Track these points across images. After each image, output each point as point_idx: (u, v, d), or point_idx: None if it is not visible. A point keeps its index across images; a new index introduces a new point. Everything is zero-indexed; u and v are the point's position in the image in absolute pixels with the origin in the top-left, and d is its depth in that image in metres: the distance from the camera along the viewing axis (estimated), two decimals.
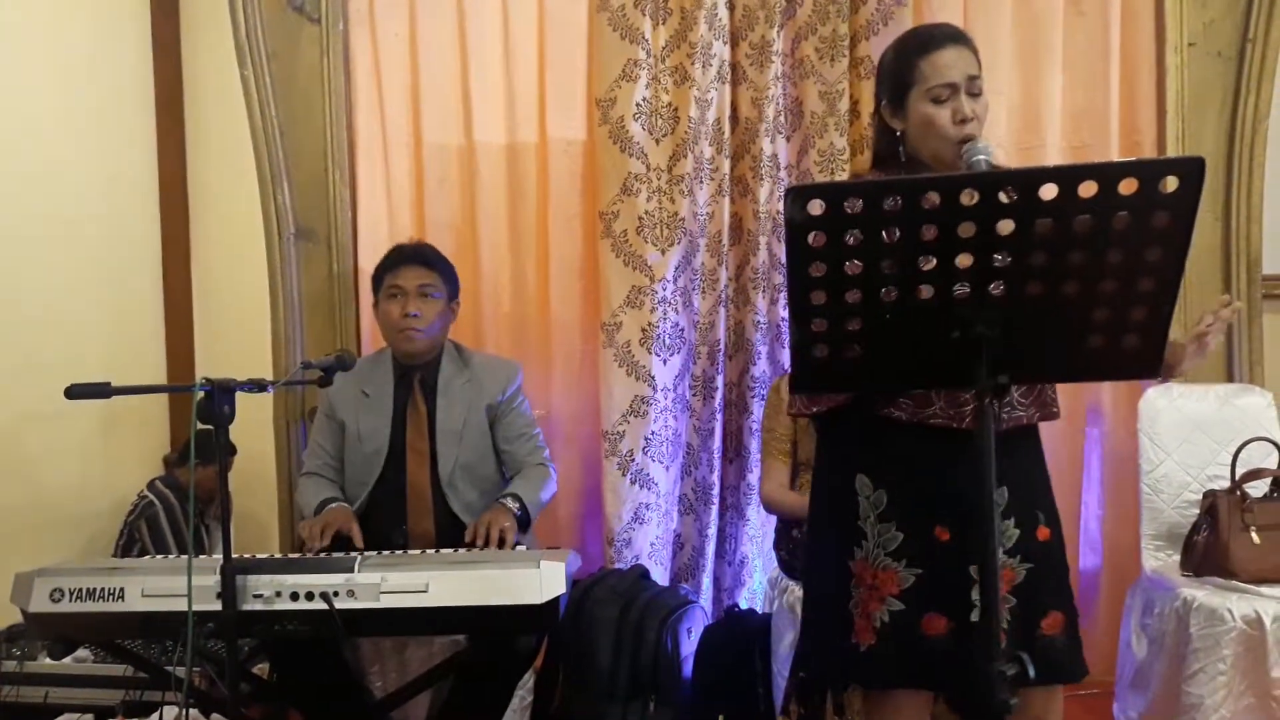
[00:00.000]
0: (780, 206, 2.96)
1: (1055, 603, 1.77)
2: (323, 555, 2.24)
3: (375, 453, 2.55)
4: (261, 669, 2.58)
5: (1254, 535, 2.42)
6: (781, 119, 3.00)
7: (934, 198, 1.33)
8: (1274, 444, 2.54)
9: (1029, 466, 1.81)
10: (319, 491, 2.53)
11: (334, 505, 2.46)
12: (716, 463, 3.06)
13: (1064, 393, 1.90)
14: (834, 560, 1.80)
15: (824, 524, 1.88)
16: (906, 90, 1.76)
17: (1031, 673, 1.40)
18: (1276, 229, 3.00)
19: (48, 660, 2.53)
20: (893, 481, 1.76)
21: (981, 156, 1.62)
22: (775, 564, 2.76)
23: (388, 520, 2.51)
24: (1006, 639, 1.72)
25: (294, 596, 1.92)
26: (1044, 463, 1.85)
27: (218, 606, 1.86)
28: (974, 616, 1.70)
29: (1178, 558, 2.60)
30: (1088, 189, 1.30)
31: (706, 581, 3.08)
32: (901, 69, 1.77)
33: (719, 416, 3.05)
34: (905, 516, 1.74)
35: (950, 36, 1.77)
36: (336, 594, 1.92)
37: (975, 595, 1.70)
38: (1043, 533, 1.78)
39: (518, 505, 2.43)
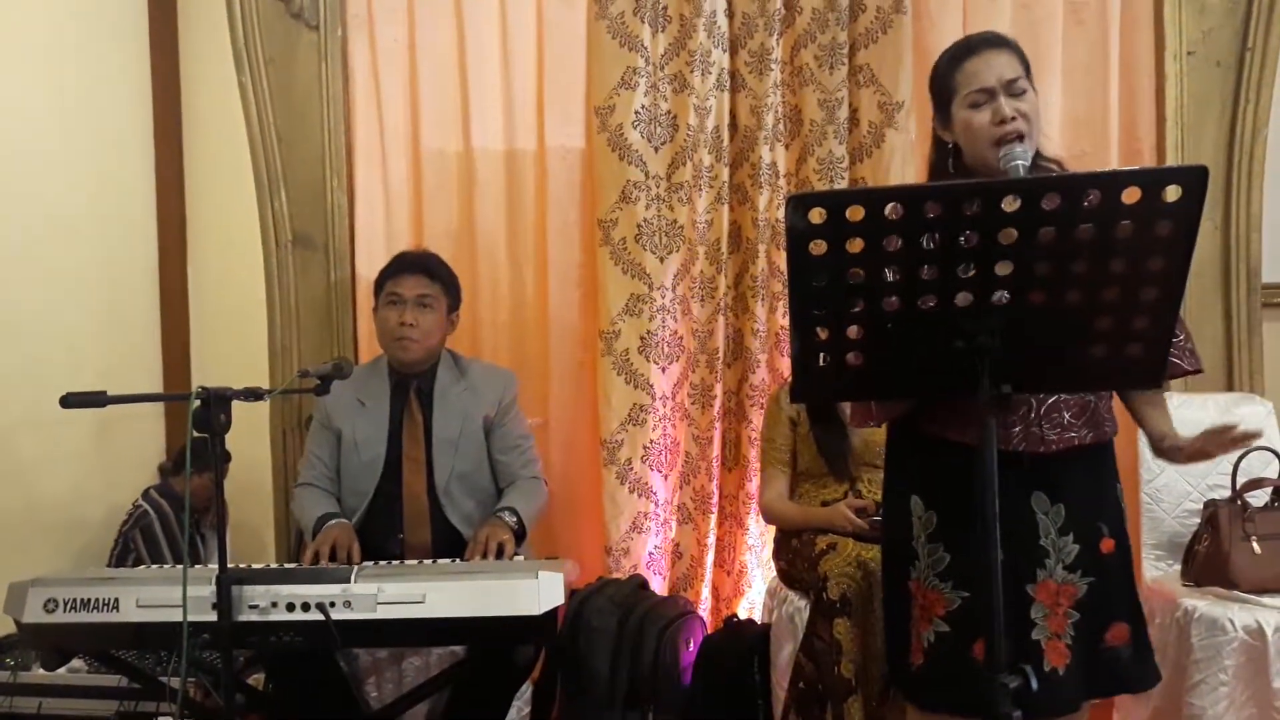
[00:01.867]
0: (779, 214, 2.95)
1: (1121, 613, 1.78)
2: (319, 565, 2.23)
3: (372, 462, 2.53)
4: (257, 680, 2.56)
5: (1255, 545, 2.41)
6: (780, 127, 3.00)
7: (936, 206, 1.32)
8: (1274, 453, 2.53)
9: (1092, 482, 1.80)
10: (316, 505, 2.50)
11: (333, 523, 2.43)
12: (715, 471, 3.04)
13: None
14: (895, 579, 1.85)
15: (889, 543, 1.91)
16: (949, 102, 1.77)
17: (1034, 685, 1.39)
18: (1276, 237, 3.00)
19: (41, 671, 2.50)
20: (942, 502, 1.77)
21: (1018, 161, 1.60)
22: (774, 574, 2.74)
23: (385, 530, 2.50)
24: (1071, 653, 1.73)
25: (290, 607, 1.91)
26: (1113, 477, 1.84)
27: (213, 617, 1.85)
28: (1034, 635, 1.71)
29: (1178, 568, 2.58)
30: (1090, 198, 1.30)
31: (705, 591, 3.07)
32: (942, 82, 1.78)
33: (718, 425, 3.04)
34: (953, 538, 1.75)
35: (985, 42, 1.77)
36: (333, 604, 1.91)
37: (1034, 613, 1.71)
38: (1107, 545, 1.77)
39: (515, 519, 2.42)
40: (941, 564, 1.76)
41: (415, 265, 2.59)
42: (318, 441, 2.60)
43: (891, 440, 1.90)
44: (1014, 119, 1.68)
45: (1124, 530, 1.82)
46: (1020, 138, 1.67)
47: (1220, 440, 1.67)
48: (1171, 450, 1.76)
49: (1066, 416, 1.75)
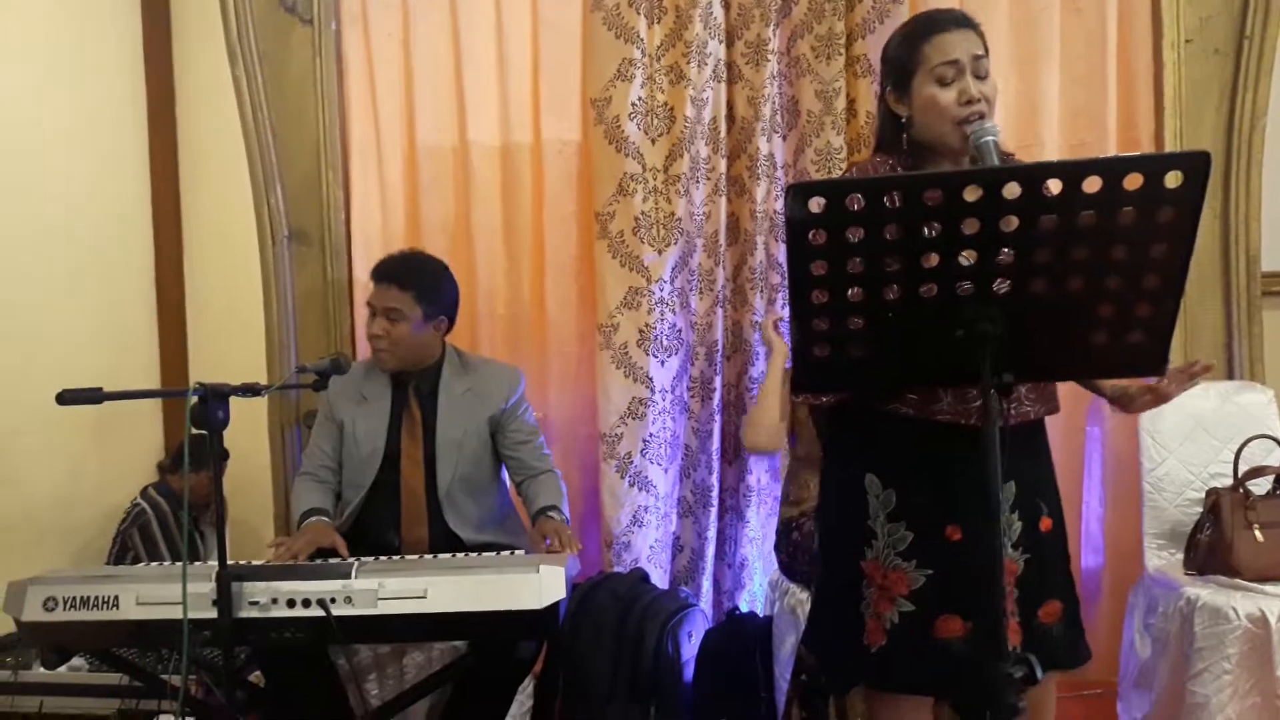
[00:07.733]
0: (777, 206, 2.95)
1: (1054, 591, 1.78)
2: (319, 561, 2.22)
3: (370, 455, 2.52)
4: (258, 677, 2.56)
5: (1257, 533, 2.41)
6: (778, 118, 2.99)
7: (936, 194, 1.31)
8: (1276, 441, 2.53)
9: (1036, 460, 1.81)
10: (307, 499, 2.49)
11: (313, 520, 2.40)
12: (715, 464, 3.04)
13: (1064, 391, 1.90)
14: (844, 560, 1.80)
15: (834, 523, 1.88)
16: (911, 75, 1.74)
17: (1039, 674, 1.38)
18: (1275, 225, 2.99)
19: (42, 669, 2.50)
20: (901, 480, 1.74)
21: (989, 138, 1.59)
22: (775, 566, 2.74)
23: (382, 524, 2.49)
24: (1021, 630, 1.71)
25: (290, 603, 1.90)
26: (1049, 454, 1.85)
27: (213, 614, 1.84)
28: None
29: (1181, 556, 2.58)
30: (1092, 184, 1.29)
31: (706, 584, 3.06)
32: (906, 53, 1.75)
33: (717, 418, 3.03)
34: (915, 516, 1.73)
35: (955, 20, 1.76)
36: (334, 600, 1.90)
37: None
38: (1045, 524, 1.78)
39: (563, 518, 2.45)
40: (904, 542, 1.73)
41: (387, 275, 2.51)
42: (321, 433, 2.60)
43: (833, 418, 1.87)
44: (979, 100, 1.68)
45: (1060, 509, 1.83)
46: (981, 118, 1.67)
47: (1179, 380, 1.70)
48: (1126, 400, 1.81)
49: (1023, 392, 1.74)
